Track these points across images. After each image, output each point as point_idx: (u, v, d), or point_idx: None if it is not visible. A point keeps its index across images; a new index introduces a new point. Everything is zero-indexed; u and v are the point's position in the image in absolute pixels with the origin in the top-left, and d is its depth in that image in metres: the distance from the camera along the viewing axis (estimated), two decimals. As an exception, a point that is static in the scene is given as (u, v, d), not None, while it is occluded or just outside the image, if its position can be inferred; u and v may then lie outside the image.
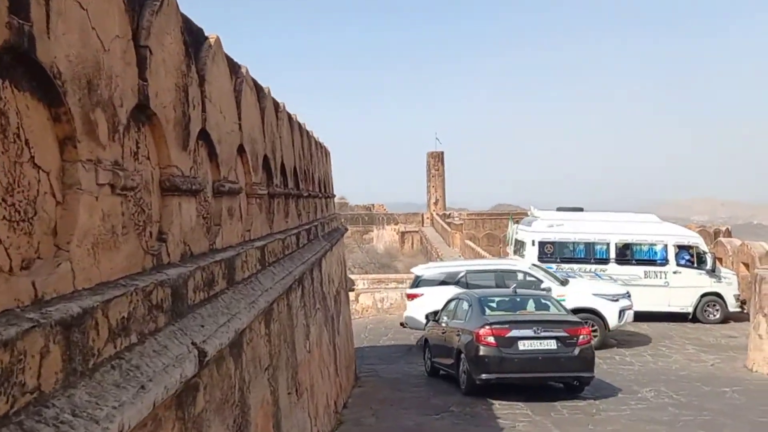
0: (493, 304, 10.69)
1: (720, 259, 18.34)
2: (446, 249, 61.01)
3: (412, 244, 79.74)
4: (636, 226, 16.98)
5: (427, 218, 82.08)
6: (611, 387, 10.55)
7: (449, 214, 72.09)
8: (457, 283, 14.33)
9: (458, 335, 10.34)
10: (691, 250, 16.87)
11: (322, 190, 9.46)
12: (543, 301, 11.06)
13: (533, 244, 16.97)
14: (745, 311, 17.71)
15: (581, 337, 9.66)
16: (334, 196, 11.43)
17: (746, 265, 18.27)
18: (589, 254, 16.78)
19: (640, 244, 16.87)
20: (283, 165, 5.83)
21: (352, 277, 21.92)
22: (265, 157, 5.03)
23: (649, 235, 16.83)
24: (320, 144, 9.63)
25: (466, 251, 52.54)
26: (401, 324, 15.56)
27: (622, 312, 14.02)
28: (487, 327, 9.55)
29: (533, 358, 9.41)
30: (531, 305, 10.77)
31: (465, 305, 10.86)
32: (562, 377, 9.87)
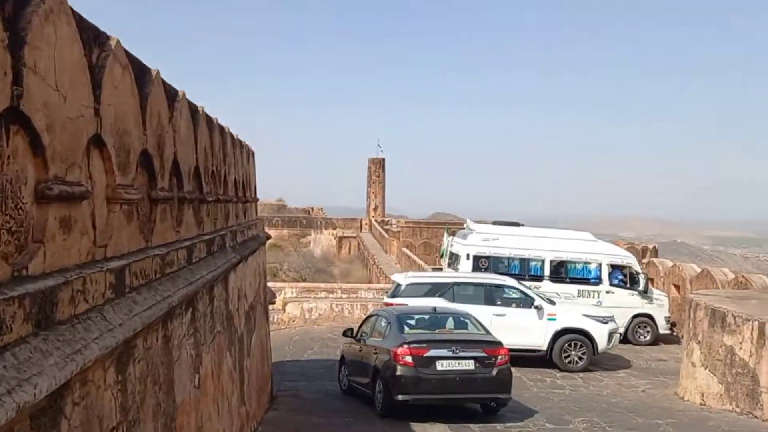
0: (412, 322, 10.29)
1: (651, 280, 18.12)
2: (383, 256, 60.51)
3: (350, 249, 78.97)
4: (571, 244, 16.55)
5: (366, 224, 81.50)
6: (540, 415, 9.87)
7: (387, 221, 71.53)
8: (442, 295, 13.62)
9: (376, 353, 9.86)
10: (624, 270, 16.55)
11: (240, 193, 8.45)
12: (462, 319, 10.65)
13: (468, 257, 16.32)
14: (675, 333, 17.52)
15: (499, 357, 9.44)
16: (256, 200, 10.40)
17: (677, 287, 18.11)
18: (524, 270, 16.24)
19: (575, 262, 16.44)
20: (177, 164, 4.84)
21: (281, 284, 20.84)
22: (146, 153, 4.04)
23: (584, 254, 16.43)
24: (240, 142, 8.60)
25: (402, 259, 52.01)
26: None
27: (611, 335, 13.76)
28: (405, 346, 9.17)
29: (451, 378, 9.11)
30: (450, 324, 10.39)
31: (383, 322, 10.36)
32: (480, 398, 9.58)
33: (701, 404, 10.57)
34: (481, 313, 13.25)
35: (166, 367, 4.09)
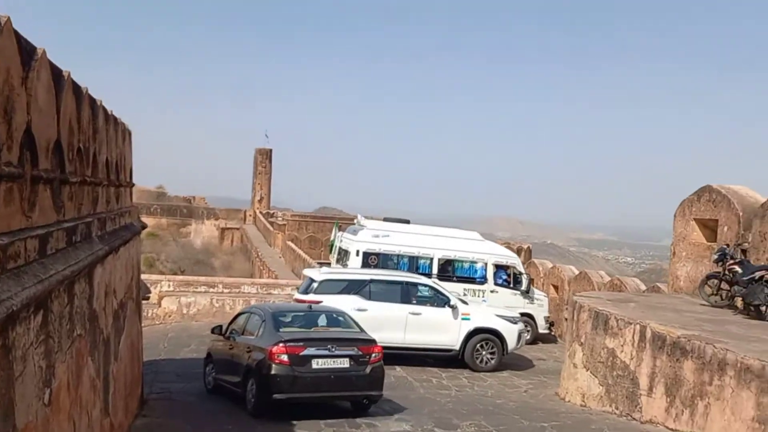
0: (287, 320, 9.99)
1: (532, 280, 18.48)
2: (267, 249, 59.16)
3: (232, 241, 76.78)
4: (459, 243, 16.52)
5: (250, 216, 79.53)
6: (428, 418, 9.56)
7: (273, 213, 70.08)
8: (358, 292, 13.13)
9: (249, 352, 9.57)
10: (508, 270, 16.73)
11: (113, 176, 7.47)
12: (336, 316, 10.51)
13: (357, 254, 15.87)
14: (553, 333, 17.96)
15: (373, 355, 9.52)
16: (131, 185, 9.36)
17: (556, 287, 18.59)
18: (413, 268, 16.00)
19: (462, 261, 16.41)
20: (31, 135, 3.97)
21: (157, 277, 19.49)
22: (-16, 119, 3.19)
23: (471, 253, 16.44)
24: (115, 119, 7.61)
25: (287, 253, 51.01)
26: None
27: (520, 335, 13.90)
28: (281, 344, 9.01)
29: (326, 376, 9.14)
30: (325, 321, 10.24)
31: (257, 320, 10.01)
32: (354, 396, 9.52)
33: (582, 405, 10.67)
34: (398, 311, 13.09)
35: (3, 385, 3.26)
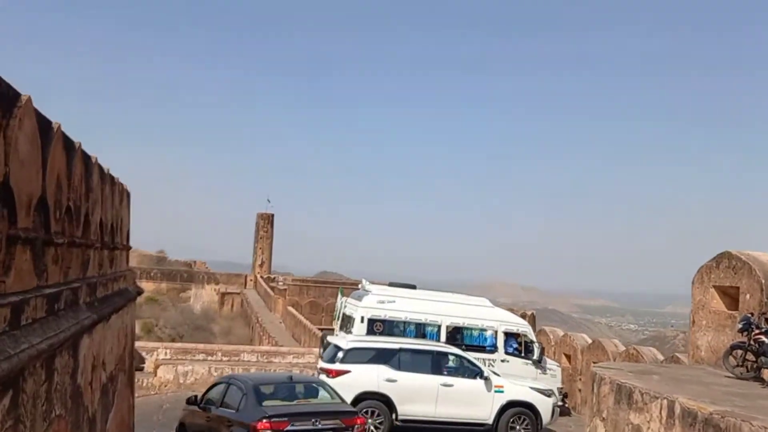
0: (269, 392, 9.77)
1: (543, 349, 17.72)
2: (267, 314, 58.14)
3: (232, 306, 75.71)
4: (468, 309, 15.87)
5: (251, 280, 78.69)
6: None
7: (274, 278, 69.30)
8: (387, 362, 12.55)
9: (229, 425, 9.30)
10: (519, 338, 16.01)
11: (107, 238, 6.99)
12: (317, 387, 10.48)
13: (362, 320, 15.21)
14: (566, 405, 17.07)
15: (356, 427, 9.52)
16: (128, 248, 8.87)
17: (568, 357, 17.82)
18: (419, 336, 15.29)
19: (471, 329, 15.72)
20: (8, 189, 3.51)
21: (154, 344, 18.76)
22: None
23: (480, 320, 15.77)
24: (111, 177, 7.19)
25: (287, 318, 50.06)
26: None
27: (554, 408, 13.25)
28: (265, 420, 8.90)
29: None
30: (306, 392, 10.20)
31: (236, 392, 9.76)
32: None
33: (607, 487, 9.84)
34: (429, 382, 12.52)
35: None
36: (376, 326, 15.31)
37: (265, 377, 10.95)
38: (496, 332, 15.75)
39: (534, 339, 16.08)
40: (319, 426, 9.10)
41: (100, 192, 6.58)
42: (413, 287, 16.53)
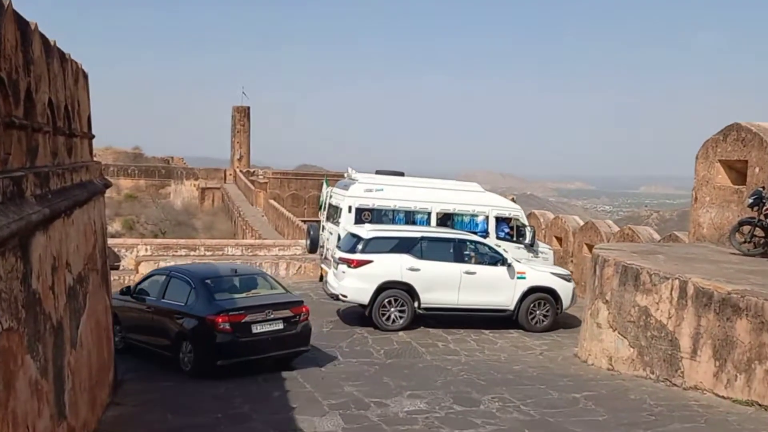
0: (218, 286, 9.95)
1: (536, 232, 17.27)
2: (249, 208, 57.63)
3: (213, 201, 75.10)
4: (458, 195, 15.19)
5: (230, 175, 77.72)
6: (443, 392, 8.40)
7: (254, 171, 68.29)
8: (410, 251, 12.24)
9: (179, 318, 9.61)
10: (510, 223, 15.47)
11: (61, 123, 5.99)
12: (263, 279, 10.78)
13: (350, 210, 14.49)
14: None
15: (302, 315, 9.95)
16: (89, 135, 7.84)
17: (559, 239, 17.43)
18: (409, 223, 14.66)
19: (462, 215, 15.11)
20: None
21: (133, 241, 18.03)
22: None
23: (471, 205, 15.13)
24: (60, 52, 6.08)
25: (270, 212, 49.55)
26: (335, 296, 12.54)
27: (574, 293, 13.20)
28: (224, 314, 9.23)
29: (264, 339, 9.50)
30: (251, 284, 10.41)
31: (182, 285, 9.94)
32: (287, 353, 9.88)
33: (609, 369, 9.56)
34: (451, 270, 12.31)
35: None
36: (364, 215, 14.63)
37: (210, 270, 10.67)
38: (487, 217, 15.17)
39: (526, 222, 15.54)
40: (271, 317, 9.54)
41: (46, 67, 5.51)
42: (401, 174, 15.73)
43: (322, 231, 15.67)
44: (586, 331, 10.52)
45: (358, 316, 13.06)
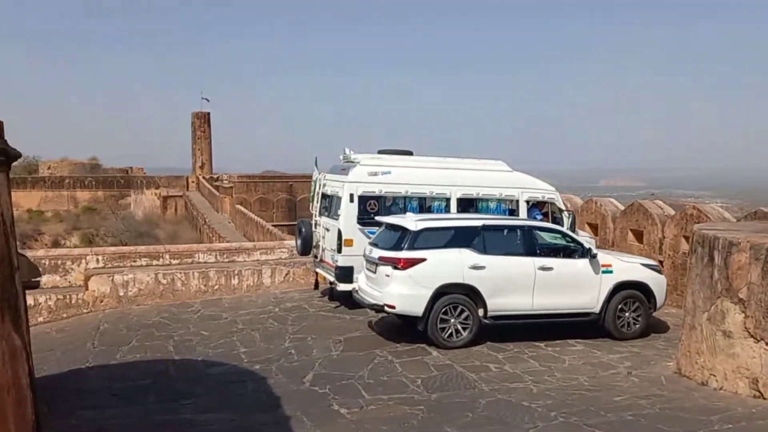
0: None
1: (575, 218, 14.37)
2: (215, 215, 53.97)
3: (176, 209, 71.10)
4: (482, 176, 12.24)
5: (193, 182, 73.91)
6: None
7: (218, 177, 64.65)
8: (470, 244, 9.37)
9: None
10: (544, 208, 12.61)
11: None
12: None
13: (351, 199, 11.42)
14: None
15: None
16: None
17: (593, 227, 14.59)
18: (424, 212, 11.66)
19: (488, 200, 12.16)
20: None
21: (81, 250, 14.63)
22: None
23: (497, 188, 12.20)
24: None
25: (237, 217, 45.98)
26: (377, 307, 9.55)
27: (667, 288, 10.59)
28: None
29: None
30: None
31: None
32: None
33: (755, 395, 6.71)
34: (524, 266, 9.51)
35: None
36: (370, 205, 11.59)
37: None
38: (517, 202, 12.27)
39: (563, 207, 12.68)
40: None
41: None
42: (410, 154, 12.68)
43: (315, 228, 12.56)
44: (697, 342, 7.65)
45: (374, 331, 10.06)
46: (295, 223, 14.96)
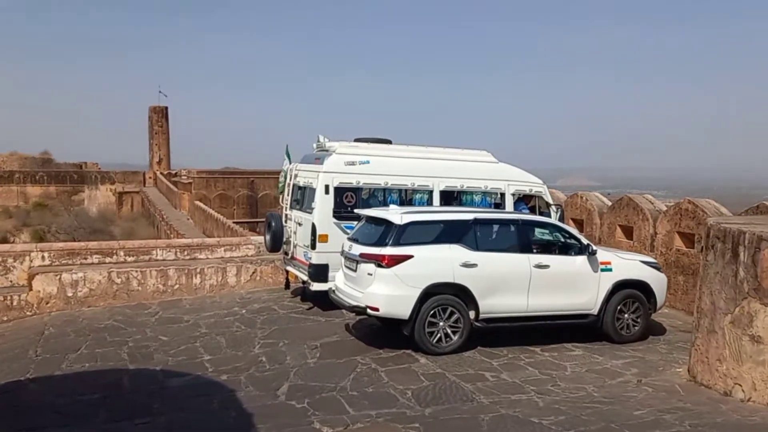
0: None
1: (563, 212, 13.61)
2: (173, 212, 52.17)
3: (132, 206, 68.83)
4: (467, 167, 11.38)
5: (150, 178, 71.77)
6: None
7: (176, 172, 62.62)
8: (460, 240, 8.49)
9: None
10: (530, 202, 11.84)
11: None
12: None
13: (326, 191, 10.42)
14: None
15: None
16: None
17: (578, 222, 13.87)
18: (405, 205, 10.74)
19: (472, 193, 11.32)
20: None
21: (24, 247, 13.26)
22: None
23: (482, 180, 11.37)
24: None
25: (196, 214, 44.32)
26: (358, 309, 8.55)
27: (666, 288, 9.84)
28: None
29: None
30: None
31: None
32: None
33: (791, 407, 5.98)
34: (519, 264, 8.66)
35: None
36: (347, 197, 10.62)
37: None
38: (502, 195, 11.46)
39: (551, 201, 11.91)
40: None
41: None
42: (389, 142, 11.73)
43: (286, 222, 11.52)
44: (718, 347, 6.90)
45: (353, 335, 9.11)
46: (257, 220, 13.93)
